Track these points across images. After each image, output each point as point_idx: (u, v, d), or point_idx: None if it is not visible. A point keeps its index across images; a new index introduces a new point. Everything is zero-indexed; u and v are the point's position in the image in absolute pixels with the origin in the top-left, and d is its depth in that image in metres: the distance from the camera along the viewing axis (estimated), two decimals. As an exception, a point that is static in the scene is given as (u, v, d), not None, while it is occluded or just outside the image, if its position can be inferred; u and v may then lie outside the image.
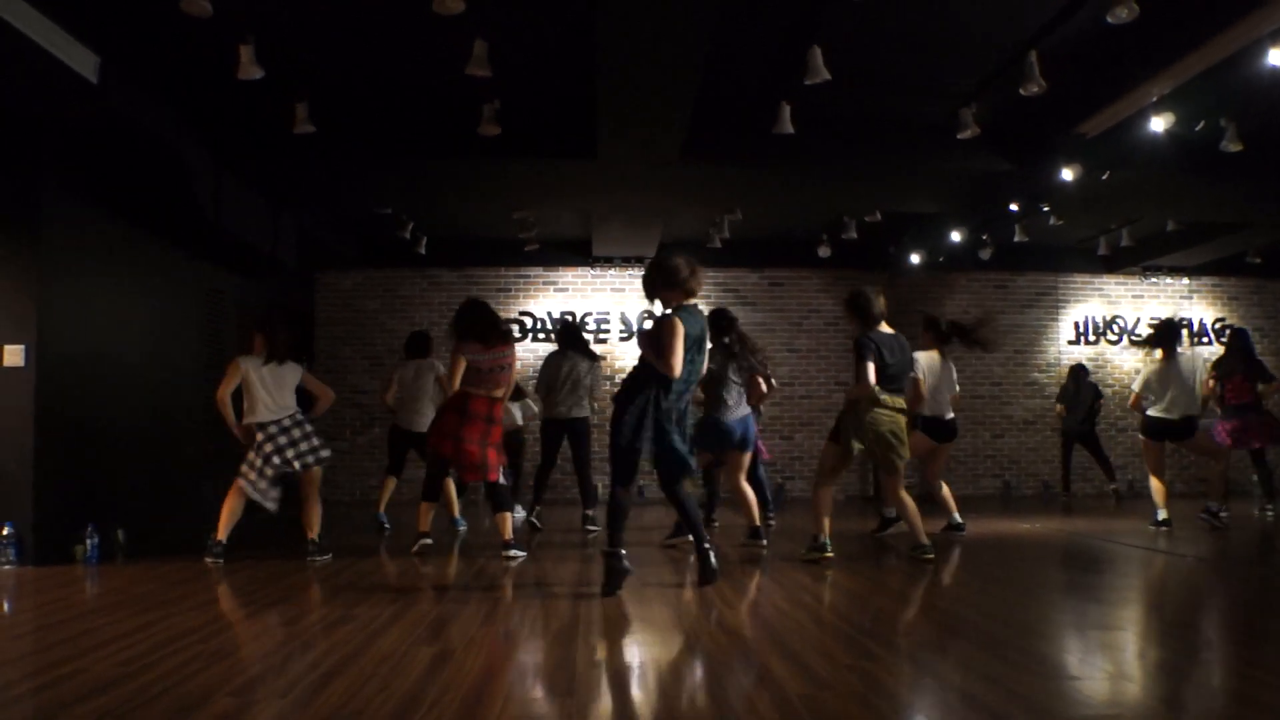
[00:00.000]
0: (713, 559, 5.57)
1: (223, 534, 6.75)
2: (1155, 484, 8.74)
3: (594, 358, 9.08)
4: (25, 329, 6.60)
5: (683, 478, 5.60)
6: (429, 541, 7.14)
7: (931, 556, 6.63)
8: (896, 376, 6.63)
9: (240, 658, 3.86)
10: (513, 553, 6.78)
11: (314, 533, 6.93)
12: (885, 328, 6.68)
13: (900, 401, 6.67)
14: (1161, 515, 8.52)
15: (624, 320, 13.10)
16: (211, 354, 9.37)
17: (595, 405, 9.13)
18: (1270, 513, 9.76)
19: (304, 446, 6.90)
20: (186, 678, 3.49)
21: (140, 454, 7.87)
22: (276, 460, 6.78)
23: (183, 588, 5.69)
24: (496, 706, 3.13)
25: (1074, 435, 12.39)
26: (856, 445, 6.59)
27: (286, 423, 6.89)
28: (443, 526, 8.52)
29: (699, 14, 5.93)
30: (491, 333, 6.87)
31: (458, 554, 7.32)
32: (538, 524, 8.76)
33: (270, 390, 6.87)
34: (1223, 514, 8.61)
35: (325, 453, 7.01)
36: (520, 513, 8.96)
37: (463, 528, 8.75)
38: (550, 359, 9.00)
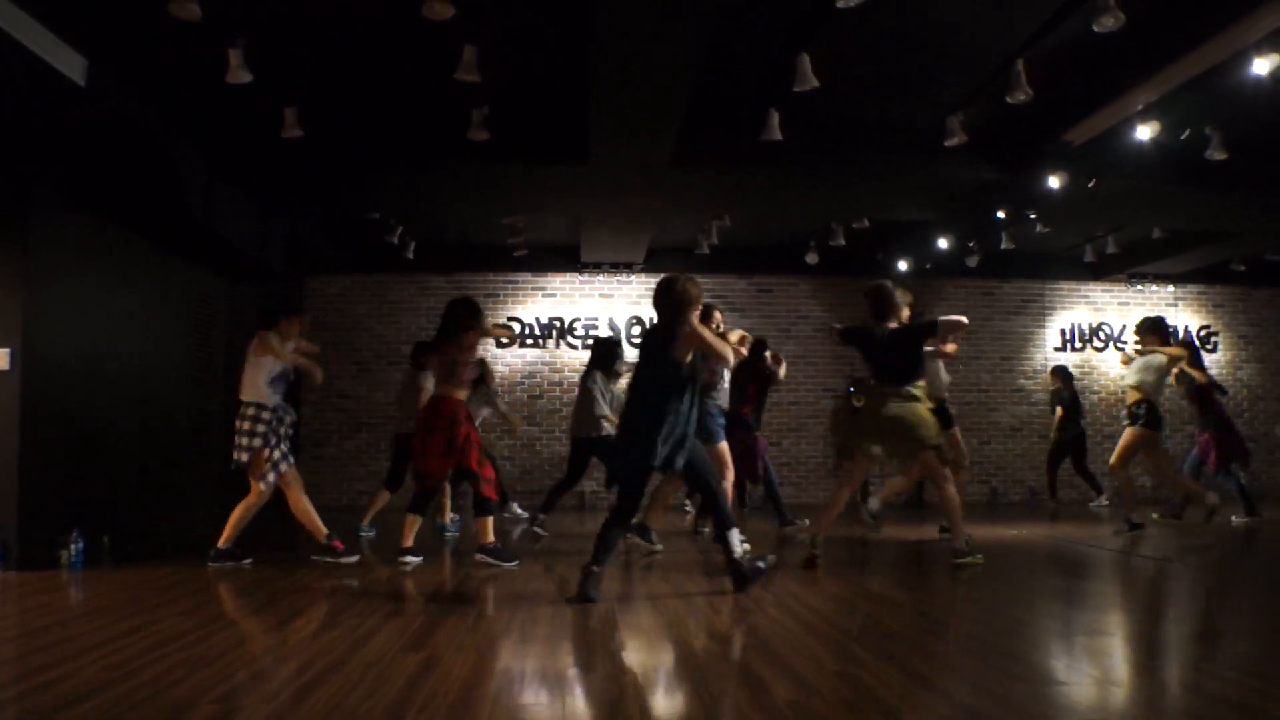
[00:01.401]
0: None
1: (225, 542, 6.76)
2: (1129, 482, 8.90)
3: (601, 371, 8.99)
4: (11, 333, 6.56)
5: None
6: (408, 560, 6.82)
7: (973, 560, 6.59)
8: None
9: (226, 664, 3.84)
10: (488, 558, 6.71)
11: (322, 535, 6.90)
12: (893, 324, 6.73)
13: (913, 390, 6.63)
14: (1140, 519, 8.63)
15: (612, 327, 13.09)
16: (199, 358, 9.36)
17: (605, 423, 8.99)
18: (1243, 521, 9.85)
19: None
20: (172, 684, 3.47)
21: (127, 458, 7.84)
22: (281, 450, 6.82)
23: (168, 593, 5.66)
24: (483, 712, 3.12)
25: (1070, 443, 12.38)
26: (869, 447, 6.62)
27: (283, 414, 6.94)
28: (427, 531, 8.50)
29: (694, 20, 5.94)
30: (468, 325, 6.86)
31: (445, 560, 7.31)
32: (541, 531, 8.73)
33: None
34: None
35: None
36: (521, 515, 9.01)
37: (451, 533, 8.75)
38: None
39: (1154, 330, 8.90)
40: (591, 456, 8.81)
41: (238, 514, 6.81)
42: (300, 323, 7.19)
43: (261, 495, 6.81)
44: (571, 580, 5.97)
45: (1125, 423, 8.89)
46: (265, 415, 6.78)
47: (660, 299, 5.58)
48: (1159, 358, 8.66)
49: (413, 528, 6.99)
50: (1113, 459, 8.92)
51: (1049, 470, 12.66)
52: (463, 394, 6.90)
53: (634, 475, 5.58)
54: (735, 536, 5.57)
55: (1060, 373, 12.73)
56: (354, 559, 6.76)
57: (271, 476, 6.78)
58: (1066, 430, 12.37)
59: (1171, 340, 9.14)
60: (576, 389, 8.97)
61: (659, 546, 7.44)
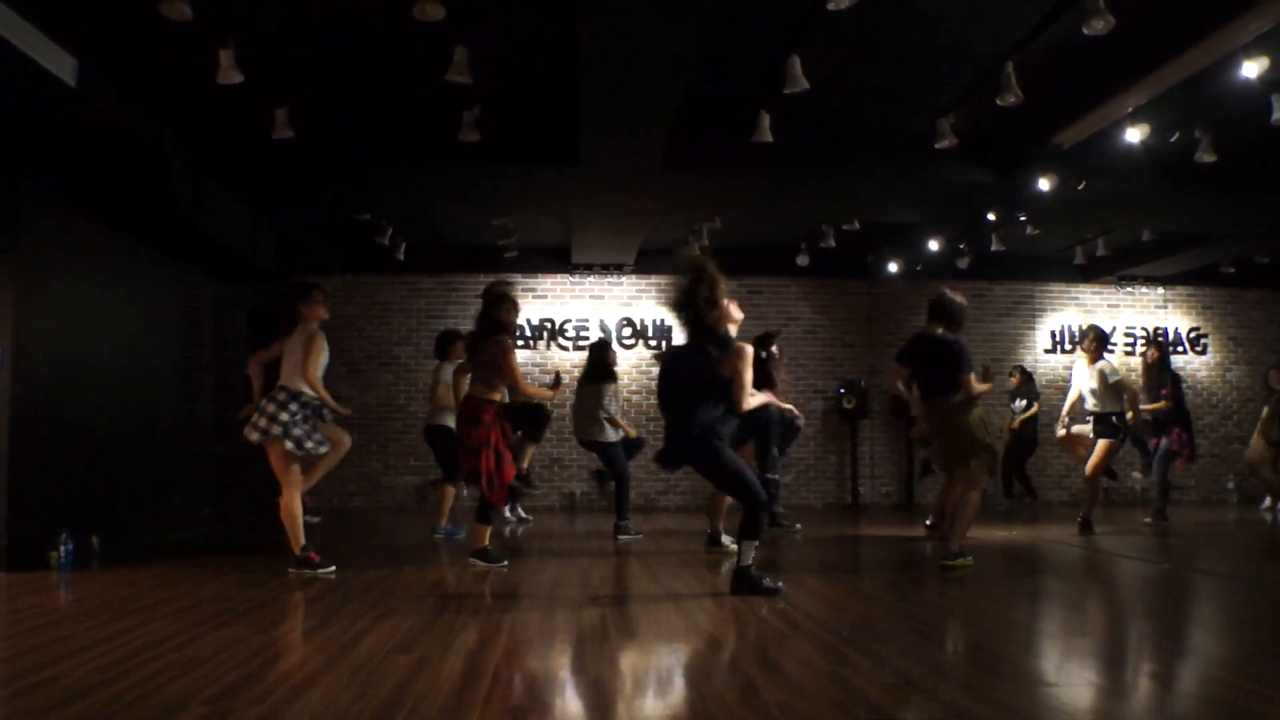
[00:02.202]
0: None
1: (302, 538, 6.47)
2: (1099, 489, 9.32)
3: (595, 380, 9.08)
4: (2, 332, 6.54)
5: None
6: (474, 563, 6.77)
7: (964, 563, 6.65)
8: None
9: (217, 665, 3.83)
10: (478, 561, 6.70)
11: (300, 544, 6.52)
12: (942, 330, 6.95)
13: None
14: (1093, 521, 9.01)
15: (603, 328, 13.09)
16: (189, 358, 9.33)
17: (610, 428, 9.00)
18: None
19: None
20: (162, 685, 3.46)
21: (116, 459, 7.81)
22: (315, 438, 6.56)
23: (158, 594, 5.64)
24: (473, 714, 3.12)
25: (1029, 443, 12.41)
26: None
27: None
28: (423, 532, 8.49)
29: (686, 23, 5.95)
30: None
31: (437, 562, 7.30)
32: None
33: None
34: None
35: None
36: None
37: (455, 535, 8.73)
38: None
39: (1101, 340, 9.11)
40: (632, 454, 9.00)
41: (291, 511, 6.45)
42: (316, 298, 6.82)
43: (297, 476, 6.50)
44: (563, 581, 5.98)
45: (1096, 433, 8.96)
46: (294, 405, 6.45)
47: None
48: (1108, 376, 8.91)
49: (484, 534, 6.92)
50: (1089, 469, 9.02)
51: (1018, 472, 12.61)
52: (495, 394, 6.78)
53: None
54: (750, 546, 5.58)
55: (1023, 372, 12.73)
56: (331, 570, 6.40)
57: (302, 448, 6.43)
58: (1026, 429, 12.37)
59: (1107, 352, 9.34)
60: (583, 398, 9.00)
61: (732, 546, 7.49)
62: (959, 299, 6.96)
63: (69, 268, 7.23)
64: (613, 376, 9.08)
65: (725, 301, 5.83)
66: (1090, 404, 8.97)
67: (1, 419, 6.50)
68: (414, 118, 8.25)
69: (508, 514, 8.79)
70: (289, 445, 6.38)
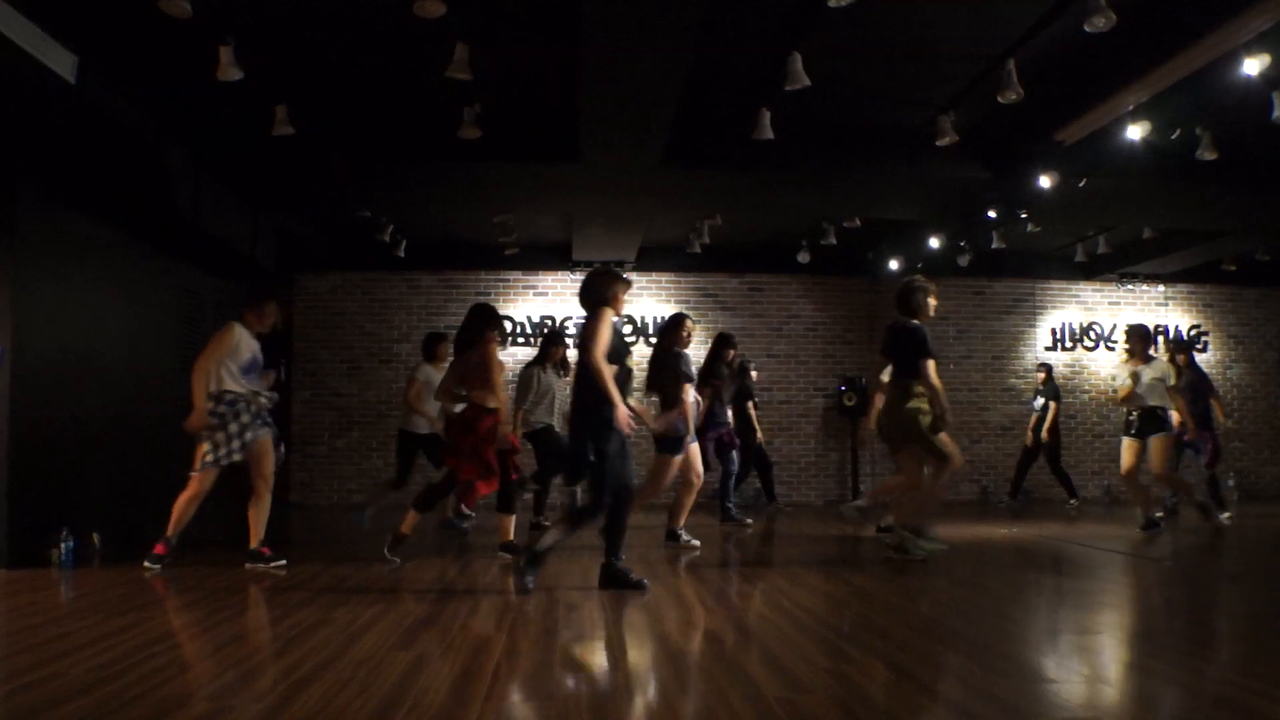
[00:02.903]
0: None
1: (261, 534, 6.65)
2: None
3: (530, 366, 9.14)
4: (1, 330, 6.53)
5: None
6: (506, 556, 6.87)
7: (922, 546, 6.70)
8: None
9: (216, 662, 3.83)
10: (509, 556, 6.72)
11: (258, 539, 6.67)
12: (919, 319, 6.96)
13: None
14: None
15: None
16: (189, 356, 9.30)
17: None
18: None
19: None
20: (162, 682, 3.46)
21: (117, 456, 7.81)
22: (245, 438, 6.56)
23: (159, 591, 5.65)
24: (473, 711, 3.12)
25: (1053, 444, 12.33)
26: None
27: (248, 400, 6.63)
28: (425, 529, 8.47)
29: (682, 21, 5.94)
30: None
31: (437, 557, 7.30)
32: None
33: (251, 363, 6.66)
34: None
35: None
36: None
37: (466, 526, 8.71)
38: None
39: (1143, 339, 8.87)
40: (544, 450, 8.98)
41: (251, 514, 6.68)
42: (268, 310, 6.80)
43: (204, 480, 6.57)
44: (562, 578, 5.98)
45: (1139, 432, 8.65)
46: (220, 408, 6.48)
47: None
48: (1168, 378, 8.78)
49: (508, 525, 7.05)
50: (1158, 470, 8.70)
51: (1057, 472, 12.50)
52: (490, 401, 6.74)
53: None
54: (563, 531, 5.62)
55: (1048, 369, 12.68)
56: (281, 563, 6.60)
57: (239, 456, 6.52)
58: (1054, 431, 12.29)
59: (1152, 351, 9.21)
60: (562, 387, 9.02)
61: (694, 541, 7.82)
62: (917, 284, 6.98)
63: (68, 265, 7.22)
64: (538, 362, 9.08)
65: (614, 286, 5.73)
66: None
67: (2, 416, 6.50)
68: (414, 114, 8.25)
69: (451, 514, 8.75)
70: (208, 454, 6.50)
